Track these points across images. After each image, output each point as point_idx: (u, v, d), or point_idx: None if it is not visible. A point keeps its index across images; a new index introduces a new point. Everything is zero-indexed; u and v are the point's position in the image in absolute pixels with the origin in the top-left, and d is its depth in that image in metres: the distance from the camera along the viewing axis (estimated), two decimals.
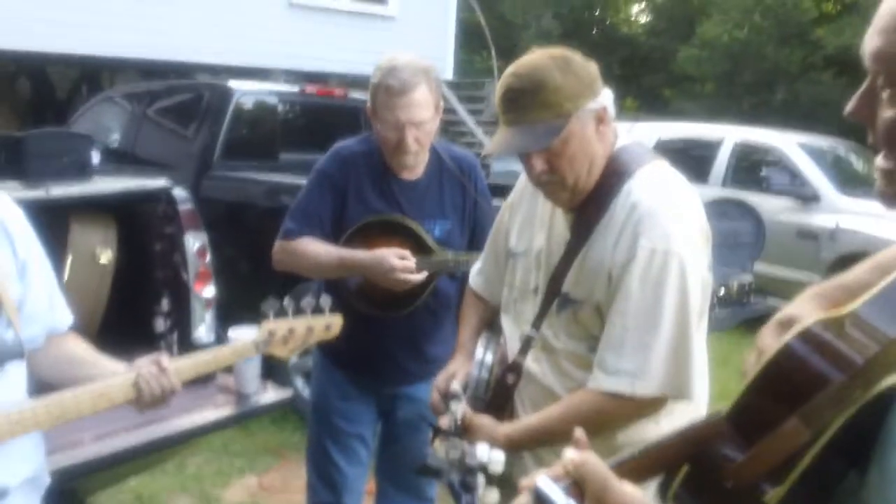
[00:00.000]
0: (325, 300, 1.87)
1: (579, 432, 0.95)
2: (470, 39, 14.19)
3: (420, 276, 2.33)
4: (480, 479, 1.37)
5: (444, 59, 12.05)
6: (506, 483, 1.46)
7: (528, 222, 1.84)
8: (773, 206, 7.21)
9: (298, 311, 1.85)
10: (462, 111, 12.96)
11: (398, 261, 2.29)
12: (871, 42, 0.90)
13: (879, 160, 0.90)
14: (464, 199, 2.49)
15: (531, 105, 1.59)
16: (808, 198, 7.37)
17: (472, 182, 2.50)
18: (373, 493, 3.55)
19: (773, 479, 0.89)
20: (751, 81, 15.55)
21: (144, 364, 1.60)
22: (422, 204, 2.43)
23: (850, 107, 0.90)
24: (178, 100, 5.73)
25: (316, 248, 2.36)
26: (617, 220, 1.63)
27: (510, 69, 1.64)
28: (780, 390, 0.92)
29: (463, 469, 1.37)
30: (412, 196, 2.42)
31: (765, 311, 5.77)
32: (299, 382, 4.41)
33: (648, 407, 1.61)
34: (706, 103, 15.63)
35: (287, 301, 1.84)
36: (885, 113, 0.85)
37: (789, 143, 8.04)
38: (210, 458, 4.04)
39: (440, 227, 2.43)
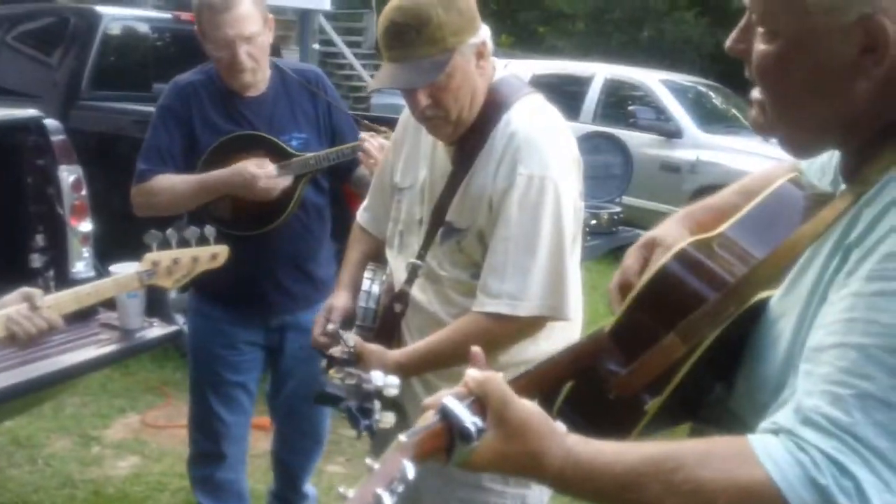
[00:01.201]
0: (210, 230, 1.87)
1: (475, 349, 0.99)
2: None
3: (285, 181, 2.33)
4: (376, 404, 1.44)
5: None
6: (397, 407, 1.55)
7: (411, 158, 1.89)
8: (638, 141, 7.54)
9: (182, 241, 1.84)
10: (341, 43, 12.71)
11: (258, 168, 2.30)
12: None
13: (755, 92, 0.95)
14: (316, 109, 2.48)
15: (416, 41, 1.62)
16: (671, 133, 7.75)
17: (322, 90, 2.50)
18: (267, 428, 3.58)
19: (652, 390, 0.98)
20: (620, 19, 15.94)
21: (13, 301, 1.55)
22: (272, 119, 2.42)
23: (729, 42, 0.95)
24: (41, 25, 5.36)
25: (172, 181, 2.35)
26: (496, 150, 1.70)
27: (393, 3, 1.65)
28: (659, 308, 1.00)
29: (360, 395, 1.43)
30: (260, 112, 2.41)
31: (632, 241, 6.07)
32: (180, 319, 4.34)
33: (529, 328, 1.71)
34: (577, 40, 15.95)
35: (170, 232, 1.82)
36: (758, 47, 0.90)
37: (654, 81, 8.39)
38: (88, 399, 3.95)
39: (296, 139, 2.42)
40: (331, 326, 1.85)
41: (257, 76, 2.38)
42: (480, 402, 0.88)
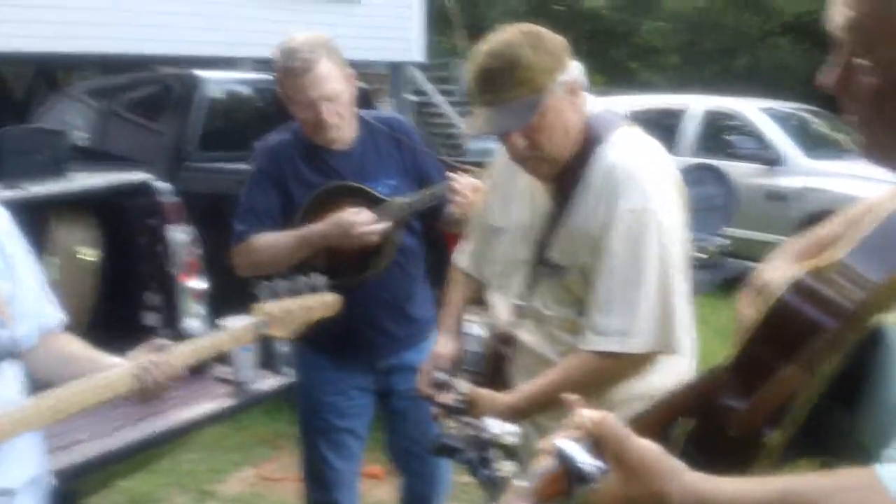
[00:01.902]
0: (319, 278, 1.87)
1: (571, 396, 0.97)
2: (434, 20, 14.14)
3: (382, 226, 2.34)
4: (495, 454, 1.41)
5: (411, 41, 12.00)
6: (516, 454, 1.51)
7: (508, 197, 1.88)
8: (741, 171, 7.32)
9: (293, 292, 1.85)
10: (434, 92, 12.94)
11: (356, 216, 2.32)
12: (839, 14, 0.93)
13: (854, 119, 0.96)
14: (401, 155, 2.51)
15: (507, 83, 1.61)
16: (773, 161, 7.51)
17: (406, 136, 2.53)
18: (380, 477, 3.53)
19: (772, 423, 0.94)
20: (712, 49, 15.67)
21: (142, 353, 1.58)
22: (361, 169, 2.44)
23: (822, 78, 0.95)
24: (145, 93, 5.64)
25: (271, 238, 2.38)
26: (595, 185, 1.68)
27: (482, 48, 1.66)
28: (778, 340, 0.97)
29: (478, 445, 1.41)
30: (350, 163, 2.44)
31: (740, 273, 5.88)
32: (290, 371, 4.40)
33: (639, 363, 1.66)
34: (671, 74, 15.74)
35: (281, 284, 1.83)
36: (863, 80, 0.90)
37: (752, 109, 8.18)
38: (203, 454, 3.98)
39: (386, 186, 2.44)
40: (440, 375, 1.83)
41: (343, 131, 2.41)
42: (597, 442, 0.87)
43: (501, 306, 1.86)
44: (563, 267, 1.72)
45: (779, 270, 1.16)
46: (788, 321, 0.98)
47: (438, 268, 2.46)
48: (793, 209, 7.21)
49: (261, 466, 3.96)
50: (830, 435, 0.98)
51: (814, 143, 8.04)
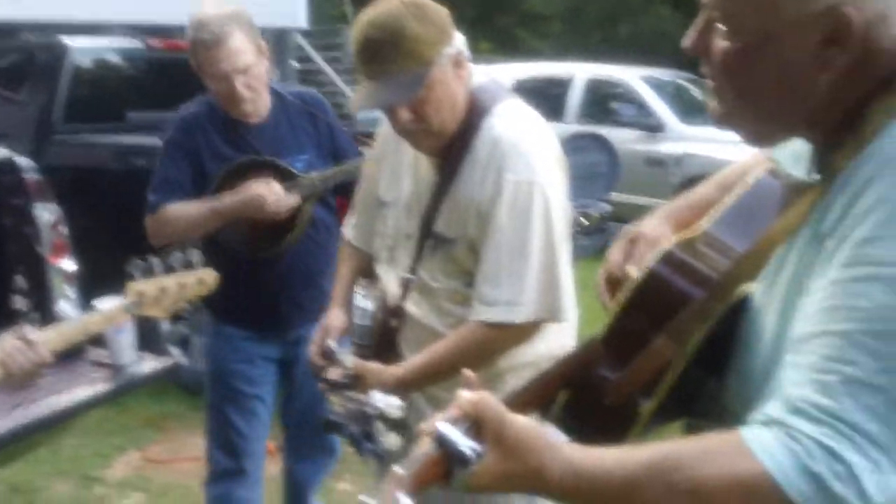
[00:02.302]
0: (195, 254, 1.86)
1: (467, 372, 0.97)
2: None
3: (293, 200, 2.41)
4: (379, 426, 1.41)
5: (295, 7, 11.68)
6: (402, 427, 1.51)
7: (394, 171, 1.87)
8: (623, 138, 7.54)
9: (168, 269, 1.80)
10: (320, 60, 12.68)
11: (266, 191, 2.38)
12: None
13: (711, 84, 0.97)
14: (317, 130, 2.58)
15: (391, 56, 1.59)
16: (653, 128, 7.79)
17: (322, 112, 2.60)
18: (273, 453, 3.53)
19: (645, 393, 0.98)
20: (596, 17, 16.01)
21: (7, 339, 1.52)
22: (276, 143, 2.51)
23: (686, 42, 0.96)
24: (7, 61, 5.31)
25: (184, 209, 2.43)
26: (481, 157, 1.69)
27: (364, 19, 1.63)
28: (648, 311, 1.01)
29: (362, 420, 1.40)
30: (264, 137, 2.50)
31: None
32: (175, 351, 4.28)
33: (526, 332, 1.70)
34: (555, 41, 16.00)
35: (154, 260, 1.80)
36: (720, 44, 0.92)
37: (634, 77, 8.44)
38: (86, 440, 3.84)
39: (300, 161, 2.51)
40: (330, 346, 1.83)
41: (257, 104, 2.46)
42: (476, 424, 0.87)
43: (390, 279, 1.86)
44: (450, 239, 1.73)
45: (652, 228, 1.21)
46: (659, 292, 1.01)
47: None
48: (671, 174, 7.52)
49: (146, 449, 3.87)
50: (699, 400, 1.02)
51: (690, 110, 8.37)
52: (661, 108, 8.01)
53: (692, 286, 0.99)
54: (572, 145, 5.31)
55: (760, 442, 0.81)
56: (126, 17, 8.08)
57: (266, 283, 2.48)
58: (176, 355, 4.20)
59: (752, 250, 0.98)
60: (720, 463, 0.82)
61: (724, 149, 7.27)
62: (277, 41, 11.76)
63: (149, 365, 2.45)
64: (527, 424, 0.88)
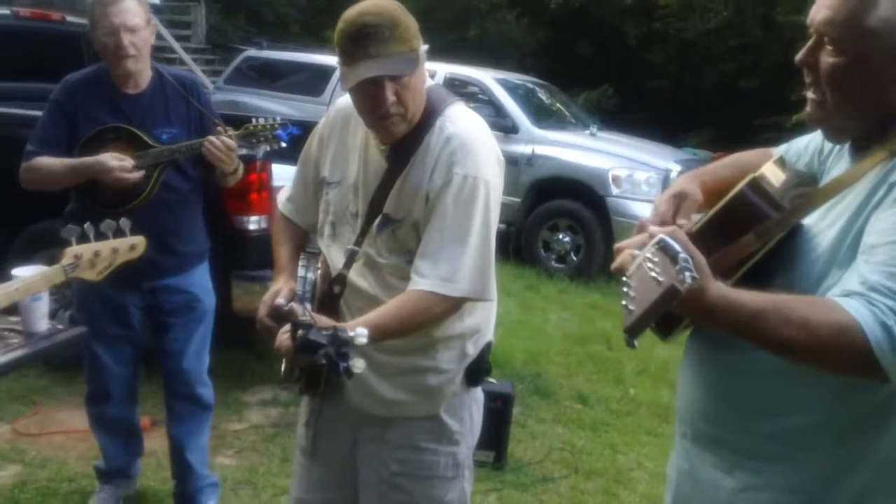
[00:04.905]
0: (126, 222, 2.02)
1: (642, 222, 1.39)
2: None
3: (137, 175, 2.77)
4: (351, 351, 1.59)
5: None
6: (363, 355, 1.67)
7: (340, 153, 2.04)
8: None
9: (99, 235, 1.92)
10: (169, 37, 12.29)
11: (115, 161, 2.73)
12: (819, 12, 1.34)
13: (810, 93, 1.38)
14: (188, 109, 2.93)
15: (390, 39, 1.78)
16: (509, 129, 8.20)
17: (195, 96, 2.96)
18: (147, 428, 3.61)
19: (724, 275, 1.30)
20: (447, 18, 16.42)
21: None
22: (147, 114, 2.87)
23: (800, 56, 1.37)
24: None
25: (51, 162, 2.80)
26: (433, 151, 1.90)
27: (356, 12, 1.80)
28: (735, 218, 1.37)
29: (337, 342, 1.58)
30: (138, 107, 2.85)
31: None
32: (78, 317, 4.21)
33: (456, 307, 1.92)
34: None
35: (88, 226, 1.94)
36: (827, 60, 1.32)
37: (490, 79, 8.83)
38: None
39: (167, 133, 2.87)
40: (279, 300, 1.94)
41: (139, 66, 2.81)
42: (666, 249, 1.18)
43: (333, 252, 2.03)
44: (396, 220, 1.93)
45: (691, 187, 1.54)
46: (746, 205, 1.38)
47: (217, 214, 3.28)
48: (523, 173, 7.98)
49: (16, 422, 3.83)
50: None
51: (540, 113, 8.87)
52: (515, 110, 8.40)
53: (769, 206, 1.37)
54: None
55: (848, 302, 1.21)
56: None
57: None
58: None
59: (822, 189, 1.39)
60: (823, 309, 1.21)
61: (571, 152, 7.92)
62: None
63: (62, 334, 2.45)
64: (702, 256, 1.20)
